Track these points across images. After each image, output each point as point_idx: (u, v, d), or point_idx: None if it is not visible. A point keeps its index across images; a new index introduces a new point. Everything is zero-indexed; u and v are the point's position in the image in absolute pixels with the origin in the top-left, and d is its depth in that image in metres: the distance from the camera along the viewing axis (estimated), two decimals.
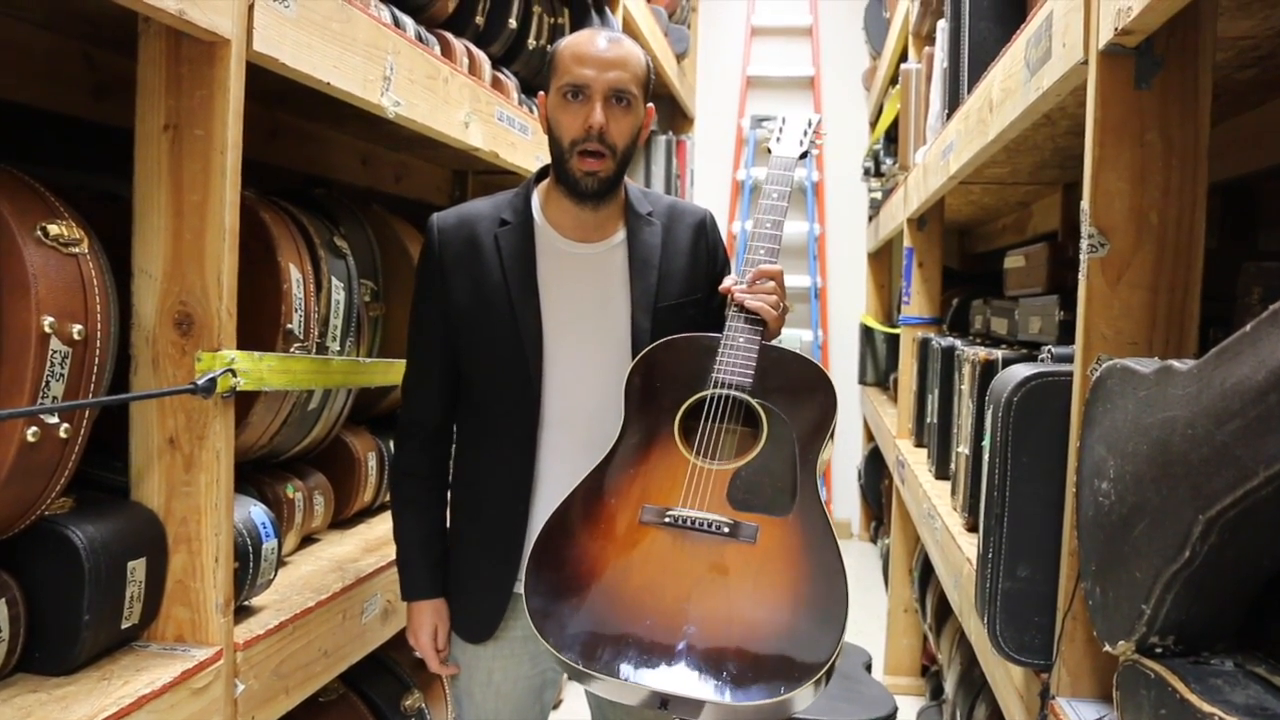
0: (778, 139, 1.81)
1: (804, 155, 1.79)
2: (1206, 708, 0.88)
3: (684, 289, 1.69)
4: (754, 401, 1.55)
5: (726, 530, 1.47)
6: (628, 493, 1.53)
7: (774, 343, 1.61)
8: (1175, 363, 0.98)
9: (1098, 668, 1.28)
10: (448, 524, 1.74)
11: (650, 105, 1.65)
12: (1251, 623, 1.03)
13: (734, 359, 1.57)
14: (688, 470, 1.52)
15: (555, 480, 1.61)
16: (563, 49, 1.60)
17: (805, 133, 1.81)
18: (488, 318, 1.63)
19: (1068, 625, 1.29)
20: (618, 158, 1.60)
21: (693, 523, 1.48)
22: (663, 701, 1.37)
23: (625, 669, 1.38)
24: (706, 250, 1.74)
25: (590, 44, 1.58)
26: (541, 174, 1.73)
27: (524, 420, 1.63)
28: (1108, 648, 1.09)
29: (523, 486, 1.64)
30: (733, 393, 1.55)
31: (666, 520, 1.49)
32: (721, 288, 1.67)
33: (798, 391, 1.58)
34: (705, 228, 1.75)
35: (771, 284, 1.62)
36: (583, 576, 1.48)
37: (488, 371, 1.66)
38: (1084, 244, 1.26)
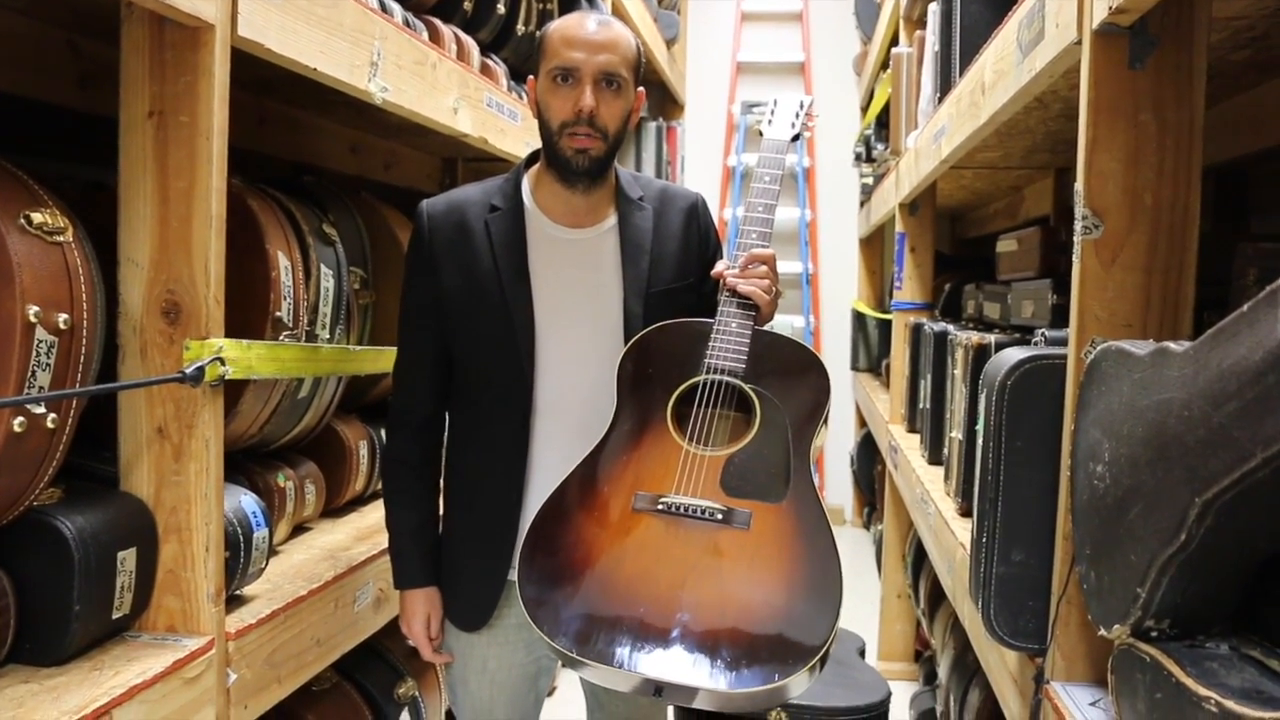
0: (769, 121, 1.80)
1: (796, 137, 1.78)
2: (1202, 691, 0.88)
3: (676, 274, 1.68)
4: (747, 387, 1.55)
5: (720, 517, 1.47)
6: (621, 480, 1.52)
7: (766, 328, 1.61)
8: (1171, 344, 0.97)
9: (1092, 652, 1.28)
10: (441, 512, 1.73)
11: (641, 89, 1.64)
12: (1247, 606, 1.03)
13: (727, 344, 1.56)
14: (681, 456, 1.52)
15: (548, 467, 1.61)
16: (552, 32, 1.59)
17: (797, 115, 1.80)
18: (479, 304, 1.62)
19: (1062, 609, 1.29)
20: (608, 141, 1.58)
21: (686, 509, 1.48)
22: (657, 689, 1.36)
23: (619, 656, 1.38)
24: (698, 234, 1.73)
25: (580, 27, 1.57)
26: (531, 159, 1.71)
27: (516, 407, 1.62)
28: (1103, 632, 1.09)
29: (516, 473, 1.63)
30: (726, 378, 1.55)
31: (660, 507, 1.49)
32: (714, 272, 1.66)
33: (791, 376, 1.57)
34: (697, 211, 1.74)
35: (764, 268, 1.61)
36: (576, 564, 1.47)
37: (479, 358, 1.65)
38: (1078, 225, 1.26)
